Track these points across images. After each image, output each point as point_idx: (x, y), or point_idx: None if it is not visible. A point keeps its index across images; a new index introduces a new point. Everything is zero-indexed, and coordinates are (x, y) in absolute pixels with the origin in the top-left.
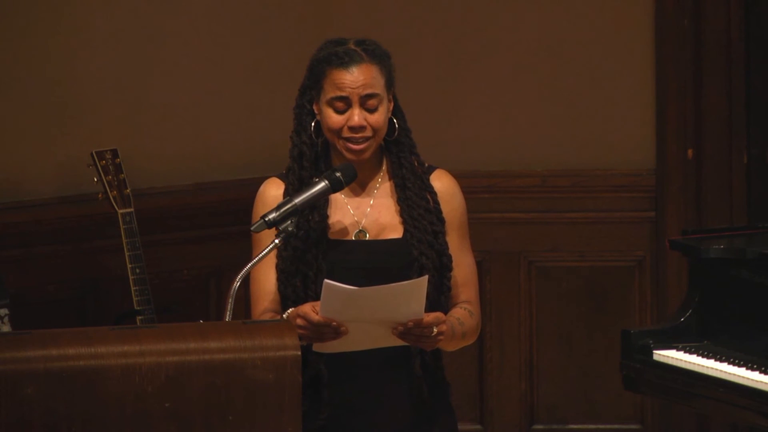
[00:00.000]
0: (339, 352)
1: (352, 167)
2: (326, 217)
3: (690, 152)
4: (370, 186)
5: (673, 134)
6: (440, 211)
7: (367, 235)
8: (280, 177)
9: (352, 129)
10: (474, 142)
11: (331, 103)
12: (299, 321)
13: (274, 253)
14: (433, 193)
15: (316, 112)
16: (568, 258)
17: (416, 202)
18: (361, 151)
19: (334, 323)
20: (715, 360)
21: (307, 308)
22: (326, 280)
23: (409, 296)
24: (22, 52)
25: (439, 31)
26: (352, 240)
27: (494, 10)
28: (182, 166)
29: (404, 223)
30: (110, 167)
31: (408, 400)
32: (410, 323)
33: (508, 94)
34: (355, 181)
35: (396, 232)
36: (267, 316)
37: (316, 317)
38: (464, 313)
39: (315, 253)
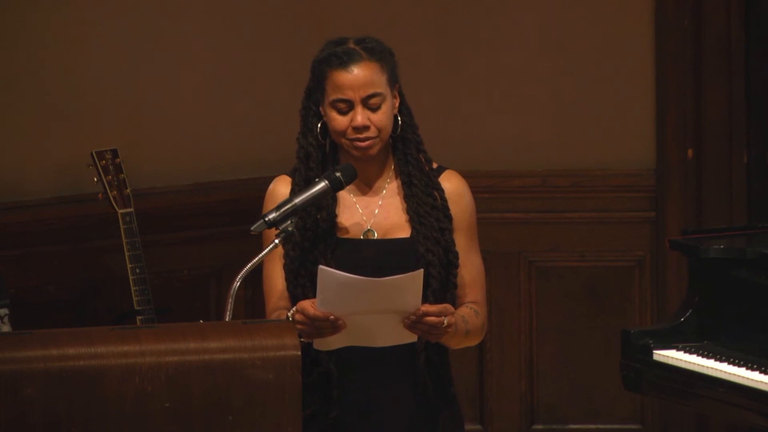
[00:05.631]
0: (345, 351)
1: (352, 167)
2: (334, 216)
3: (690, 152)
4: (379, 185)
5: (673, 134)
6: (447, 208)
7: (376, 234)
8: (290, 174)
9: (356, 129)
10: (474, 142)
11: (333, 105)
12: (298, 316)
13: (282, 251)
14: (441, 191)
15: (322, 113)
16: (568, 258)
17: (422, 199)
18: (367, 148)
19: (332, 317)
20: (715, 360)
21: (305, 303)
22: (321, 266)
23: (405, 289)
24: (22, 52)
25: (439, 31)
26: (360, 239)
27: (494, 10)
28: (182, 166)
29: (411, 221)
30: (110, 167)
31: (413, 396)
32: (419, 312)
33: (508, 95)
34: (364, 180)
35: (404, 231)
36: (278, 314)
37: (313, 311)
38: (469, 311)
39: (323, 251)
